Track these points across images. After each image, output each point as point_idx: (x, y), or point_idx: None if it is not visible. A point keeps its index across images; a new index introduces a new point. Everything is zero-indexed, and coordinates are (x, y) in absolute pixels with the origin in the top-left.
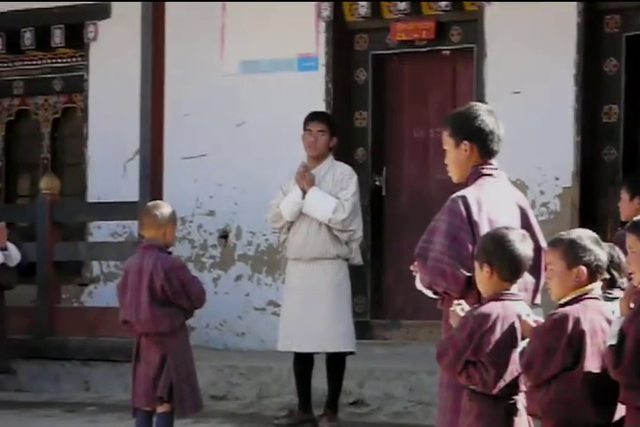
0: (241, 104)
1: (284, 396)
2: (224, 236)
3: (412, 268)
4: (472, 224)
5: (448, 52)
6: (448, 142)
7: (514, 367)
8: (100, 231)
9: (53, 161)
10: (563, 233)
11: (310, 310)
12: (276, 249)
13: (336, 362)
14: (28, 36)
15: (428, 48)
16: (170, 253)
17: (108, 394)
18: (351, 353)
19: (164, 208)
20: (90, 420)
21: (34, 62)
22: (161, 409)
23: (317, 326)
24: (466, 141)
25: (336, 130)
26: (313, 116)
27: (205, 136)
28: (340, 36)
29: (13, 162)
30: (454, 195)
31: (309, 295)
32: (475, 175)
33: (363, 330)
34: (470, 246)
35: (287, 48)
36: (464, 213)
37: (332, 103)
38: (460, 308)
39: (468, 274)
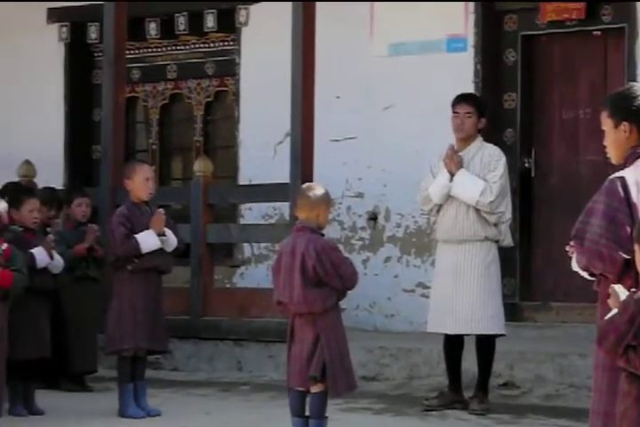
0: (390, 86)
1: (433, 377)
2: (373, 218)
3: (567, 248)
4: (630, 206)
5: (599, 33)
6: (607, 123)
7: None
8: (252, 213)
9: (206, 144)
10: None
11: (460, 292)
12: (425, 231)
13: (486, 344)
14: (181, 22)
15: (578, 28)
16: (322, 234)
17: (261, 374)
18: (501, 335)
19: (318, 190)
20: (244, 399)
21: (187, 47)
22: (315, 389)
23: (467, 308)
24: (625, 122)
25: (484, 111)
26: (460, 99)
27: (354, 118)
28: (490, 16)
29: (167, 145)
30: (612, 176)
31: (459, 277)
32: (633, 156)
33: (512, 312)
34: (628, 228)
35: (436, 29)
36: (622, 194)
37: (480, 85)
38: (621, 290)
39: (627, 256)
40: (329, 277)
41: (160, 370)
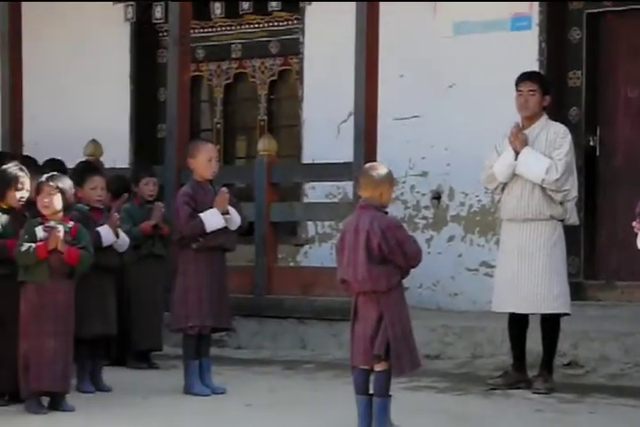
0: (453, 65)
1: (497, 356)
2: (437, 197)
3: (634, 224)
4: None
5: None
6: None
7: None
8: (315, 192)
9: (269, 123)
10: None
11: (525, 271)
12: (489, 210)
13: (551, 323)
14: (245, 1)
15: None
16: (386, 213)
17: (324, 352)
18: (566, 314)
19: (381, 169)
20: (307, 377)
21: (251, 26)
22: (379, 367)
23: (532, 287)
24: None
25: (548, 89)
26: (524, 77)
27: (418, 97)
28: None
29: (231, 124)
30: None
31: (524, 256)
32: None
33: (576, 291)
34: None
35: (500, 8)
36: None
37: (545, 63)
38: None
39: None
40: (393, 254)
41: (224, 348)
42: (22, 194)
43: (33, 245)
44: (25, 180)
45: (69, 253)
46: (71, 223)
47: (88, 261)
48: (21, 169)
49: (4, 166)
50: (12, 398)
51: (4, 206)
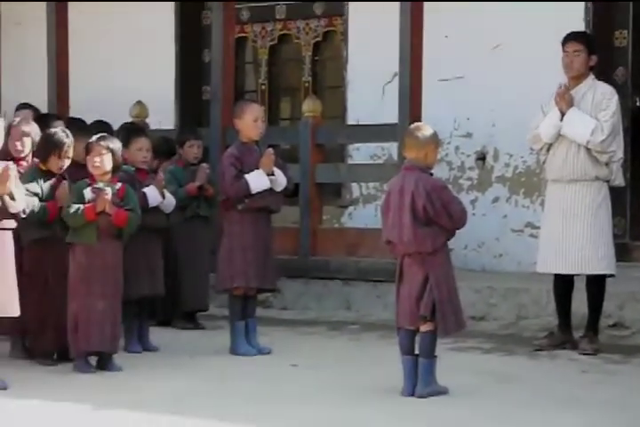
0: (499, 25)
1: (542, 317)
2: (481, 158)
3: None
4: None
5: None
6: None
7: None
8: (360, 153)
9: (314, 84)
10: None
11: (570, 232)
12: (534, 171)
13: (596, 284)
14: None
15: None
16: (431, 174)
17: (369, 313)
18: (611, 276)
19: (426, 130)
20: (352, 338)
21: None
22: (424, 328)
23: (577, 248)
24: None
25: (594, 49)
26: (569, 37)
27: (463, 58)
28: None
29: (275, 85)
30: None
31: (569, 217)
32: None
33: (621, 252)
34: None
35: None
36: None
37: (591, 22)
38: None
39: None
40: (438, 216)
41: (270, 309)
42: (63, 162)
43: (82, 206)
44: (69, 149)
45: (117, 216)
46: (119, 184)
47: (135, 222)
48: (67, 136)
49: (52, 130)
50: (60, 357)
51: (45, 169)
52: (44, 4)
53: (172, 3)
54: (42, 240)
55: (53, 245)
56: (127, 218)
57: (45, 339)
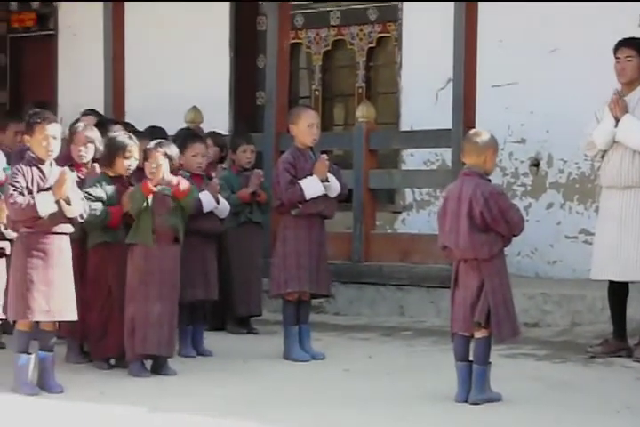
0: (554, 30)
1: (596, 324)
2: (535, 164)
3: None
4: None
5: None
6: None
7: None
8: (413, 159)
9: (367, 90)
10: None
11: (625, 239)
12: (589, 177)
13: None
14: None
15: None
16: (489, 180)
17: (422, 319)
18: None
19: (485, 135)
20: (405, 344)
21: None
22: (479, 334)
23: (633, 254)
24: None
25: None
26: (620, 44)
27: (517, 63)
28: None
29: (329, 91)
30: None
31: (624, 223)
32: None
33: None
34: None
35: None
36: None
37: None
38: None
39: None
40: (496, 222)
41: (323, 314)
42: (130, 162)
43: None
44: (133, 148)
45: (179, 186)
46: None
47: (193, 199)
48: (130, 137)
49: (114, 134)
50: (117, 361)
51: (112, 174)
52: (101, 12)
53: (228, 9)
54: (105, 245)
55: (117, 250)
56: (189, 189)
57: (107, 343)
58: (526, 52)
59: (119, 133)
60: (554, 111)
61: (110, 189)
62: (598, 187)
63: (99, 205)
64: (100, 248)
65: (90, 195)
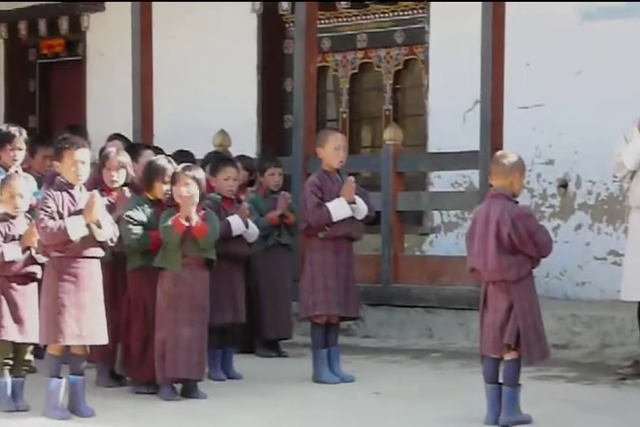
0: (581, 52)
1: (627, 346)
2: (564, 185)
3: None
4: None
5: None
6: None
7: None
8: (441, 181)
9: (395, 112)
10: None
11: None
12: (617, 198)
13: None
14: None
15: None
16: (517, 202)
17: (451, 341)
18: None
19: (512, 157)
20: (434, 366)
21: (377, 16)
22: (508, 356)
23: None
24: None
25: None
26: None
27: (544, 85)
28: None
29: (356, 114)
30: None
31: None
32: None
33: None
34: None
35: None
36: None
37: None
38: None
39: None
40: (524, 244)
41: (352, 337)
42: (169, 186)
43: (169, 222)
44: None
45: (198, 226)
46: (202, 212)
47: (212, 236)
48: (169, 161)
49: (154, 158)
50: (147, 386)
51: (151, 198)
52: (129, 37)
53: (255, 33)
54: (144, 269)
55: (155, 274)
56: (207, 229)
57: (145, 367)
58: (553, 74)
59: (159, 157)
60: (582, 132)
61: (150, 212)
62: (627, 208)
63: (140, 230)
64: (138, 272)
65: (131, 219)
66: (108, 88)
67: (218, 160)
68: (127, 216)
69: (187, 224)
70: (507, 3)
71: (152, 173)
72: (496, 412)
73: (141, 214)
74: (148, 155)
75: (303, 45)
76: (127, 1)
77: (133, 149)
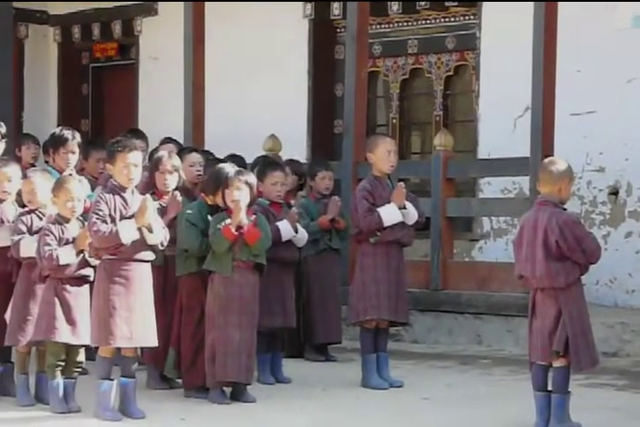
0: (632, 59)
1: None
2: (614, 192)
3: None
4: None
5: None
6: None
7: None
8: (490, 187)
9: (445, 118)
10: None
11: None
12: None
13: None
14: None
15: None
16: (565, 209)
17: (500, 348)
18: None
19: (560, 164)
20: (483, 373)
21: (428, 22)
22: (557, 364)
23: None
24: None
25: None
26: None
27: (595, 92)
28: None
29: (407, 119)
30: None
31: None
32: None
33: None
34: None
35: None
36: None
37: None
38: None
39: None
40: (571, 251)
41: (401, 342)
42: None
43: (220, 226)
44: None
45: (249, 231)
46: (253, 217)
47: (265, 242)
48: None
49: (222, 165)
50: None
51: (210, 202)
52: (181, 41)
53: (306, 38)
54: (197, 273)
55: (207, 278)
56: (259, 235)
57: (197, 372)
58: (604, 81)
59: (227, 165)
60: (633, 139)
61: (208, 217)
62: None
63: (201, 235)
64: (192, 276)
65: (193, 224)
66: (160, 92)
67: (265, 165)
68: (188, 221)
69: (236, 234)
70: (559, 10)
71: (218, 180)
72: (545, 419)
73: (201, 221)
74: (191, 158)
75: (354, 50)
76: (179, 1)
77: (179, 153)
